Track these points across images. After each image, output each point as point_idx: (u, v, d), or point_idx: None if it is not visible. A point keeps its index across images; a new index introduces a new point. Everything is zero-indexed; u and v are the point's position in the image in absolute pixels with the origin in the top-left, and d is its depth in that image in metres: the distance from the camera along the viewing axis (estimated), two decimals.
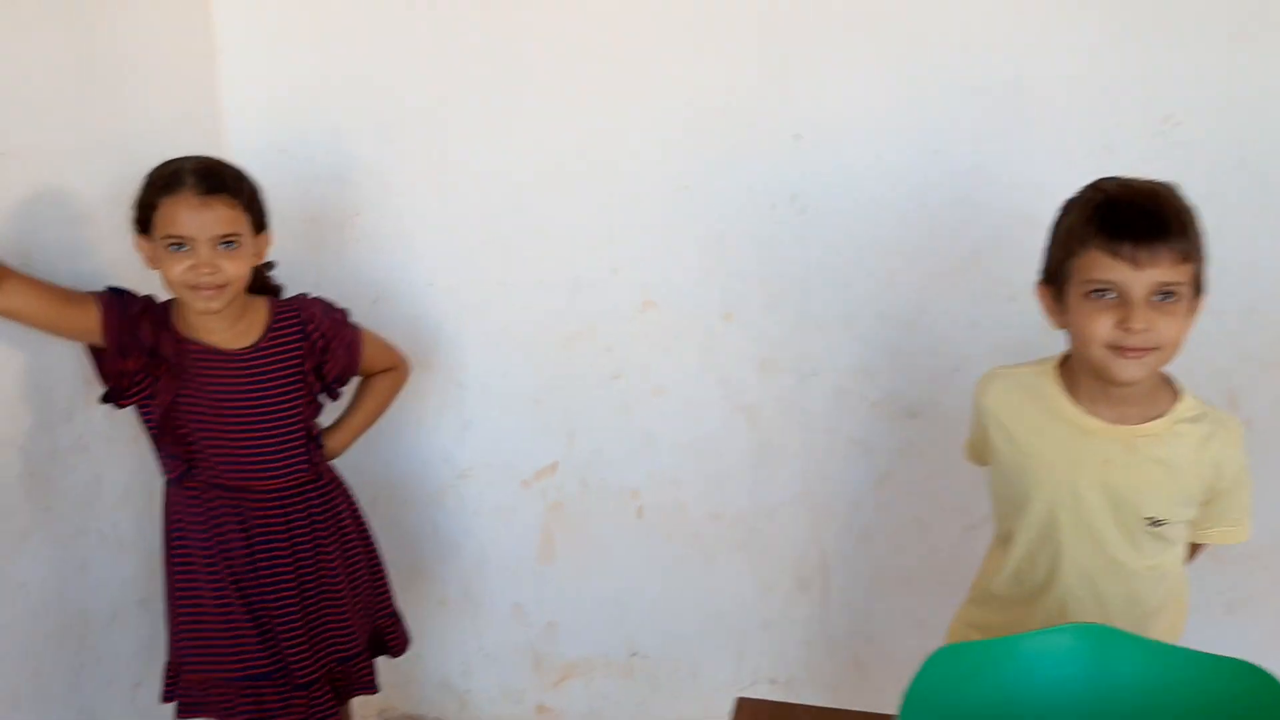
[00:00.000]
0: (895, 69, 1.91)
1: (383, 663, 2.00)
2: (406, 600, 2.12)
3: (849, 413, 2.07)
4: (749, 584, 2.24)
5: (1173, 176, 1.78)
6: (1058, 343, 1.90)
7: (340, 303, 1.89)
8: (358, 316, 1.91)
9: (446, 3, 2.08)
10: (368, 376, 1.92)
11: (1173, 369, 1.88)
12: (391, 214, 2.20)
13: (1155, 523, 1.42)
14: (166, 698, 1.79)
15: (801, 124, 1.98)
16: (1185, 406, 1.44)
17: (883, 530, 2.13)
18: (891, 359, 2.02)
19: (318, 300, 1.82)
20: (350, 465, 1.97)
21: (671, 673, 2.35)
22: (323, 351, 1.76)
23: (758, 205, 2.03)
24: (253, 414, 1.70)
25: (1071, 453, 1.44)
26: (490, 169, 2.13)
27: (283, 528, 1.73)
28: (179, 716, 1.77)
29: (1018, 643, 1.13)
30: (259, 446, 1.71)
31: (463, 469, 2.33)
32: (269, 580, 1.73)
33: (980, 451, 1.60)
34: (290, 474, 1.73)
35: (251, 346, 1.71)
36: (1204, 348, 1.87)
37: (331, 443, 1.87)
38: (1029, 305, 1.92)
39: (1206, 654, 1.08)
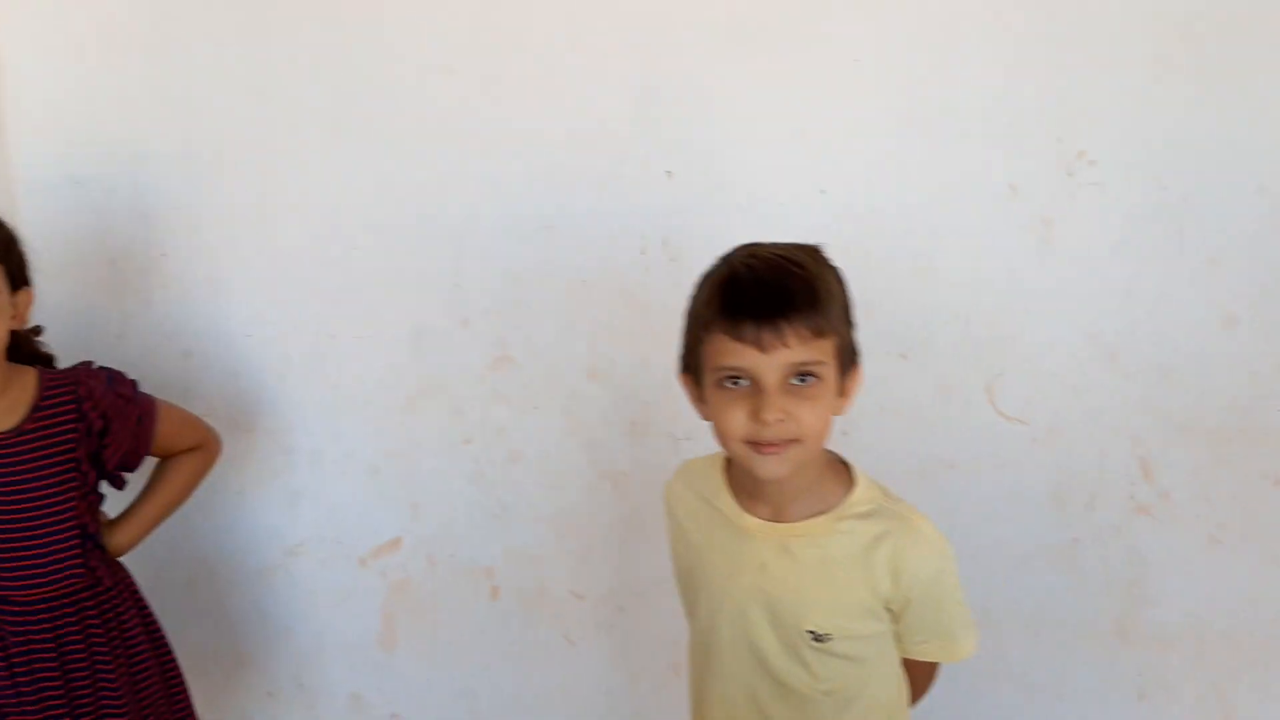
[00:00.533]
0: (778, 99, 1.70)
1: None
2: (231, 692, 1.85)
3: None
4: (618, 671, 2.00)
5: (1085, 221, 1.66)
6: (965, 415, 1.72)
7: (136, 368, 1.60)
8: (165, 373, 1.64)
9: (274, 14, 1.81)
10: (166, 457, 1.62)
11: (1077, 436, 1.74)
12: (205, 255, 1.92)
13: (818, 637, 1.22)
14: None
15: (674, 159, 1.75)
16: (856, 500, 1.24)
17: None
18: None
19: (101, 370, 1.52)
20: (163, 541, 1.70)
21: None
22: (102, 433, 1.46)
23: (627, 249, 1.80)
24: (13, 510, 1.40)
25: (731, 555, 1.26)
26: (321, 205, 1.87)
27: (51, 645, 1.43)
28: None
29: None
30: (21, 549, 1.41)
31: (292, 545, 2.05)
32: (34, 711, 1.42)
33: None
34: (60, 581, 1.44)
35: (13, 430, 1.41)
36: (1113, 413, 1.73)
37: (115, 539, 1.57)
38: (923, 363, 1.77)
39: None
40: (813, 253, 1.22)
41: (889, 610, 1.26)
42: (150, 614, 1.60)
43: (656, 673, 1.99)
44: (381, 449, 1.97)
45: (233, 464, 1.93)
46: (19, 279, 1.41)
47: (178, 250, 1.91)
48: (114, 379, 1.52)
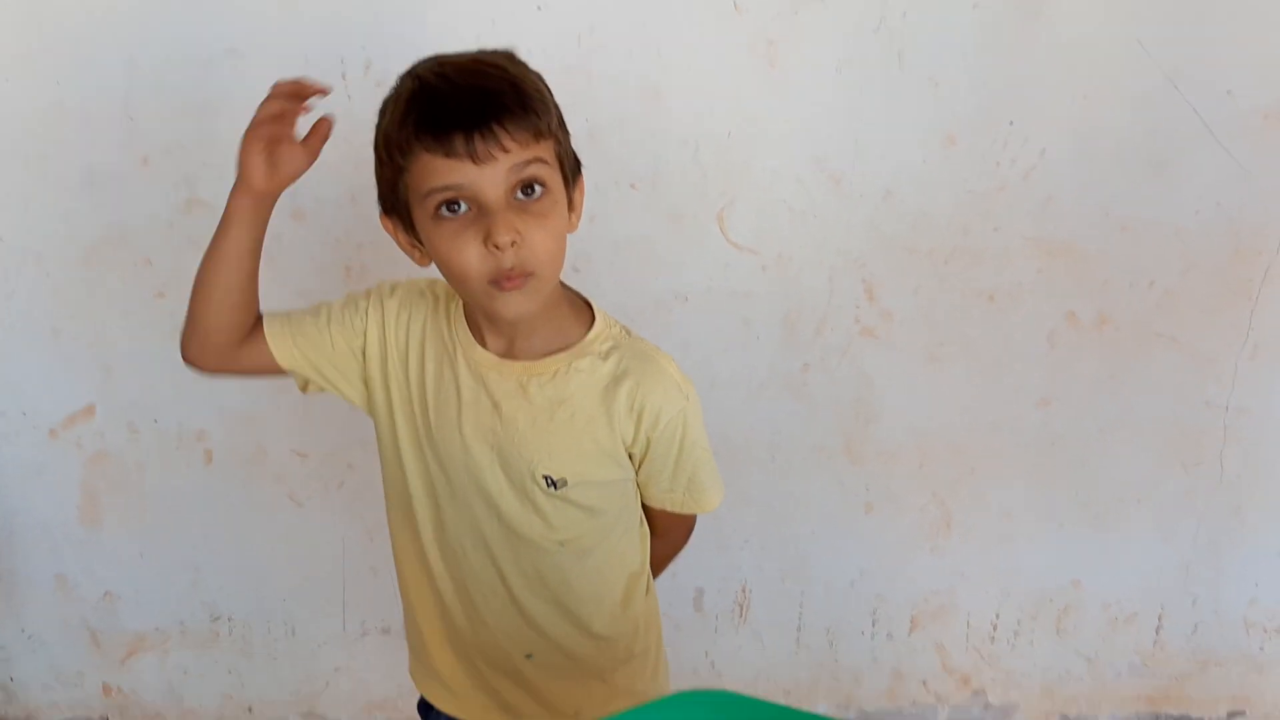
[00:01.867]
0: None
1: None
2: None
3: None
4: (351, 528, 1.90)
5: (808, 41, 1.60)
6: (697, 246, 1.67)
7: None
8: None
9: None
10: None
11: (806, 263, 1.73)
12: None
13: (553, 484, 1.15)
14: None
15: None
16: (595, 337, 1.15)
17: None
18: None
19: None
20: None
21: (264, 633, 1.99)
22: None
23: (325, 72, 1.60)
24: None
25: (459, 393, 1.16)
26: None
27: None
28: None
29: None
30: None
31: None
32: None
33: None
34: None
35: None
36: (838, 237, 1.72)
37: None
38: (653, 193, 1.70)
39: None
40: (508, 56, 1.07)
41: (630, 456, 1.19)
42: None
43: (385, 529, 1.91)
44: (61, 307, 1.75)
45: None
46: None
47: None
48: None
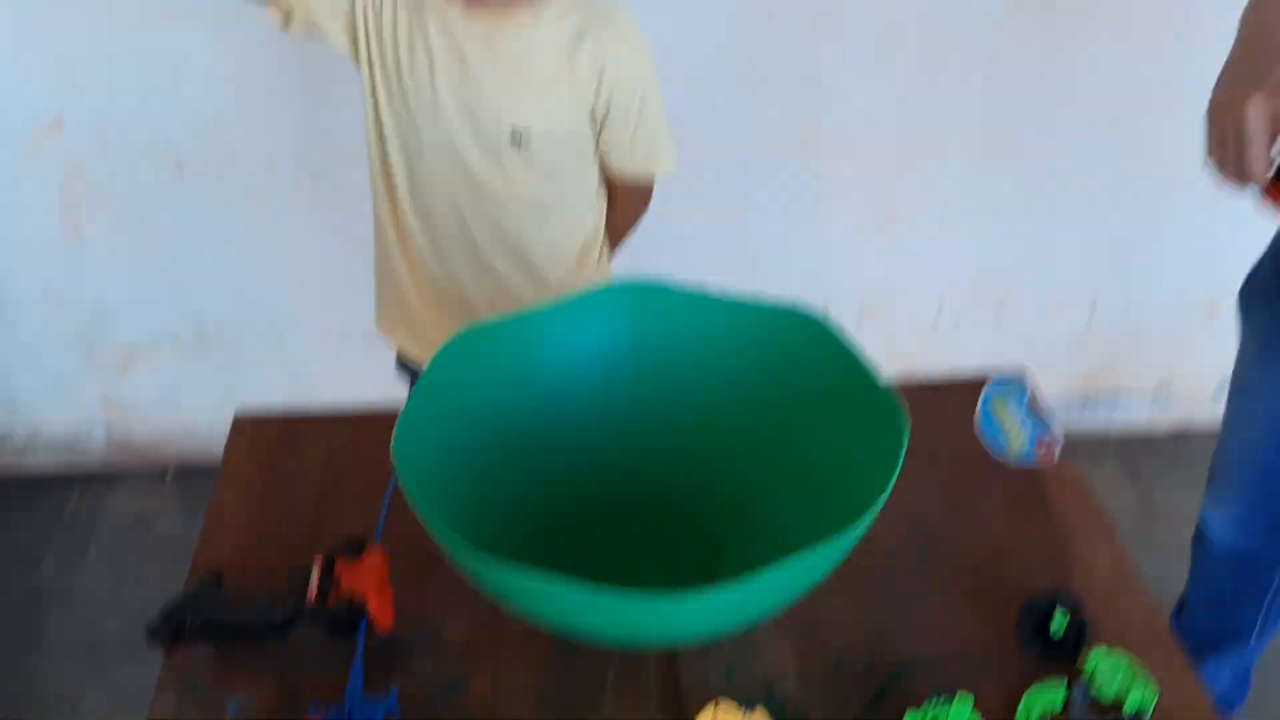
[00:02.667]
0: None
1: None
2: None
3: None
4: (321, 228, 1.97)
5: None
6: None
7: None
8: None
9: None
10: None
11: None
12: None
13: (518, 135, 1.22)
14: None
15: None
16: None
17: None
18: None
19: None
20: None
21: (254, 342, 2.10)
22: None
23: None
24: None
25: (434, 54, 1.21)
26: None
27: None
28: None
29: (545, 315, 0.96)
30: None
31: None
32: None
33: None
34: None
35: None
36: None
37: None
38: None
39: (758, 303, 0.97)
40: None
41: (592, 113, 1.26)
42: None
43: (364, 219, 1.97)
44: (18, 11, 1.76)
45: None
46: None
47: None
48: None
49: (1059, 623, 0.88)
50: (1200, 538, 1.51)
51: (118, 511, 2.13)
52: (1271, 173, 0.97)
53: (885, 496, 0.77)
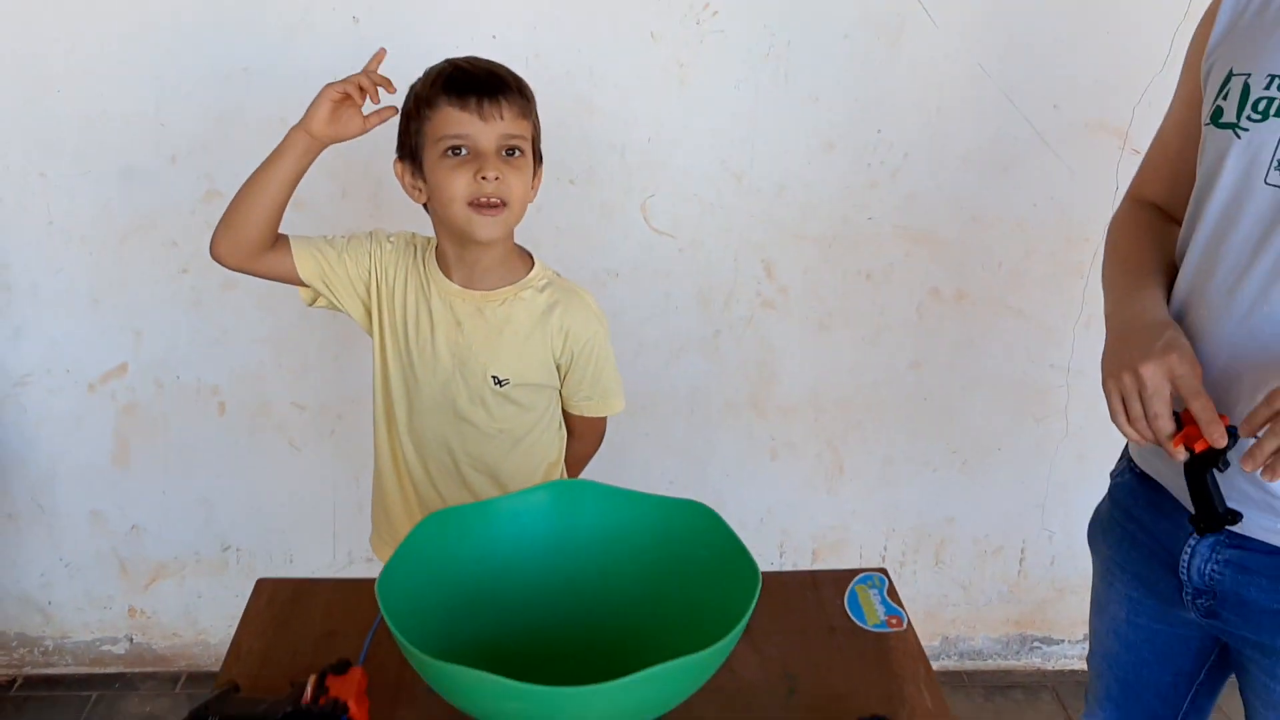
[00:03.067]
0: None
1: None
2: None
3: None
4: (339, 470, 2.27)
5: (711, 63, 1.97)
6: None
7: None
8: None
9: None
10: None
11: (715, 246, 2.09)
12: None
13: (499, 382, 1.52)
14: None
15: (359, 6, 1.94)
16: (534, 276, 1.53)
17: None
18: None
19: None
20: None
21: (267, 562, 2.35)
22: None
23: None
24: None
25: (432, 317, 1.53)
26: (25, 53, 1.93)
27: None
28: None
29: (500, 502, 1.24)
30: None
31: (19, 377, 2.17)
32: None
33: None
34: None
35: None
36: (741, 225, 2.08)
37: None
38: (589, 188, 2.06)
39: (659, 496, 1.24)
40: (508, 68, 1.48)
41: (558, 366, 1.56)
42: None
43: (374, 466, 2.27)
44: (100, 282, 2.11)
45: None
46: None
47: None
48: None
49: None
50: None
51: (132, 713, 2.33)
52: (1174, 425, 1.12)
53: (736, 634, 1.00)
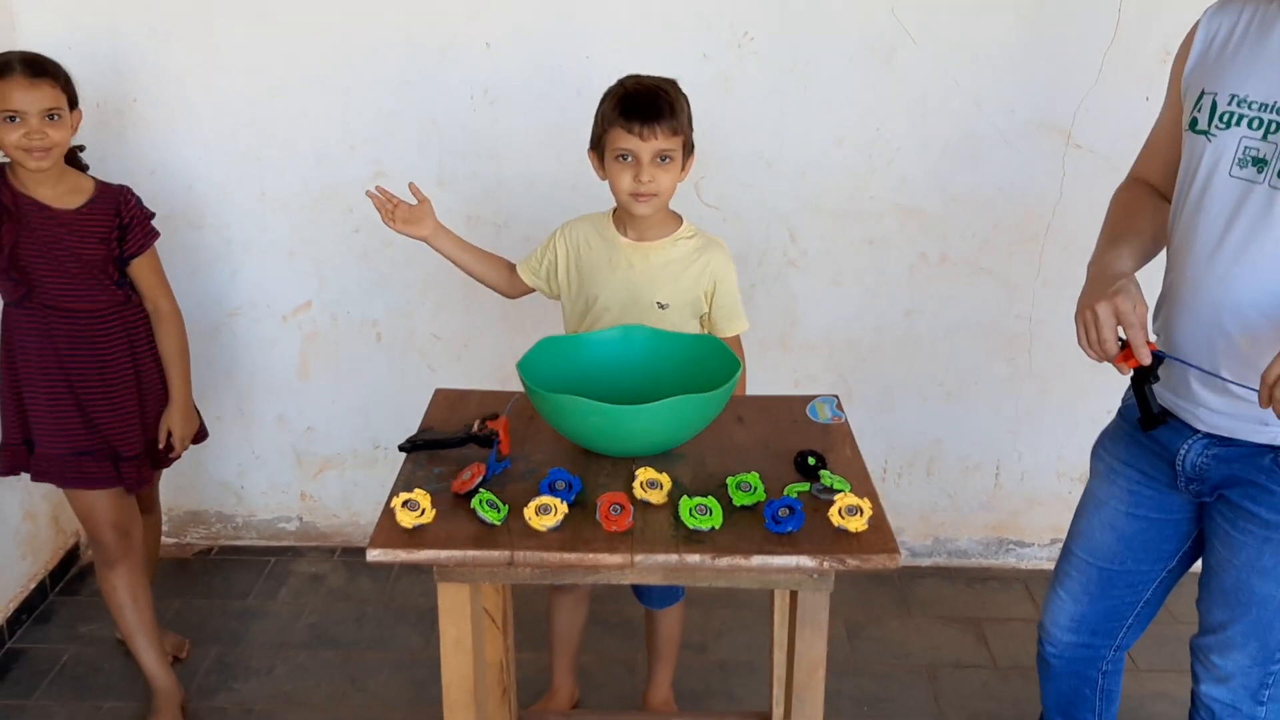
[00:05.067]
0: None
1: (168, 470, 2.54)
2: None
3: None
4: (467, 385, 2.94)
5: (751, 78, 2.63)
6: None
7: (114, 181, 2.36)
8: (136, 185, 2.37)
9: None
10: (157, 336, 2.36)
11: (750, 217, 2.74)
12: (165, 101, 2.73)
13: (661, 305, 2.07)
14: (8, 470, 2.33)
15: (491, 35, 2.65)
16: (683, 231, 2.10)
17: None
18: (561, 213, 2.76)
19: (136, 195, 2.31)
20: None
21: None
22: (125, 228, 2.27)
23: (461, 97, 2.70)
24: (74, 259, 2.22)
25: (610, 261, 2.10)
26: (246, 66, 2.69)
27: (103, 338, 2.27)
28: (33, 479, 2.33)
29: (587, 335, 1.91)
30: (79, 279, 2.23)
31: (231, 309, 2.92)
32: (94, 376, 2.28)
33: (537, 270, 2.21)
34: (100, 300, 2.26)
35: (75, 210, 2.22)
36: (771, 201, 2.73)
37: (174, 414, 2.38)
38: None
39: (683, 334, 1.90)
40: (672, 82, 2.04)
41: (704, 295, 2.12)
42: (151, 335, 2.42)
43: (490, 386, 2.95)
44: (295, 238, 2.85)
45: (187, 251, 2.80)
46: (73, 102, 2.23)
47: (146, 97, 2.73)
48: (142, 202, 2.31)
49: (812, 461, 1.68)
50: (1041, 659, 1.99)
51: (300, 573, 3.05)
52: (1119, 348, 1.54)
53: (729, 387, 1.64)
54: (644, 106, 1.96)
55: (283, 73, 2.70)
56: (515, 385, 2.90)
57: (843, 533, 1.50)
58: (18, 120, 2.11)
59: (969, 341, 2.83)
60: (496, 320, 2.90)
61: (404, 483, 1.63)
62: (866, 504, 1.51)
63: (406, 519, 1.48)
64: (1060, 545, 3.03)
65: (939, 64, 2.61)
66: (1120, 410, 1.87)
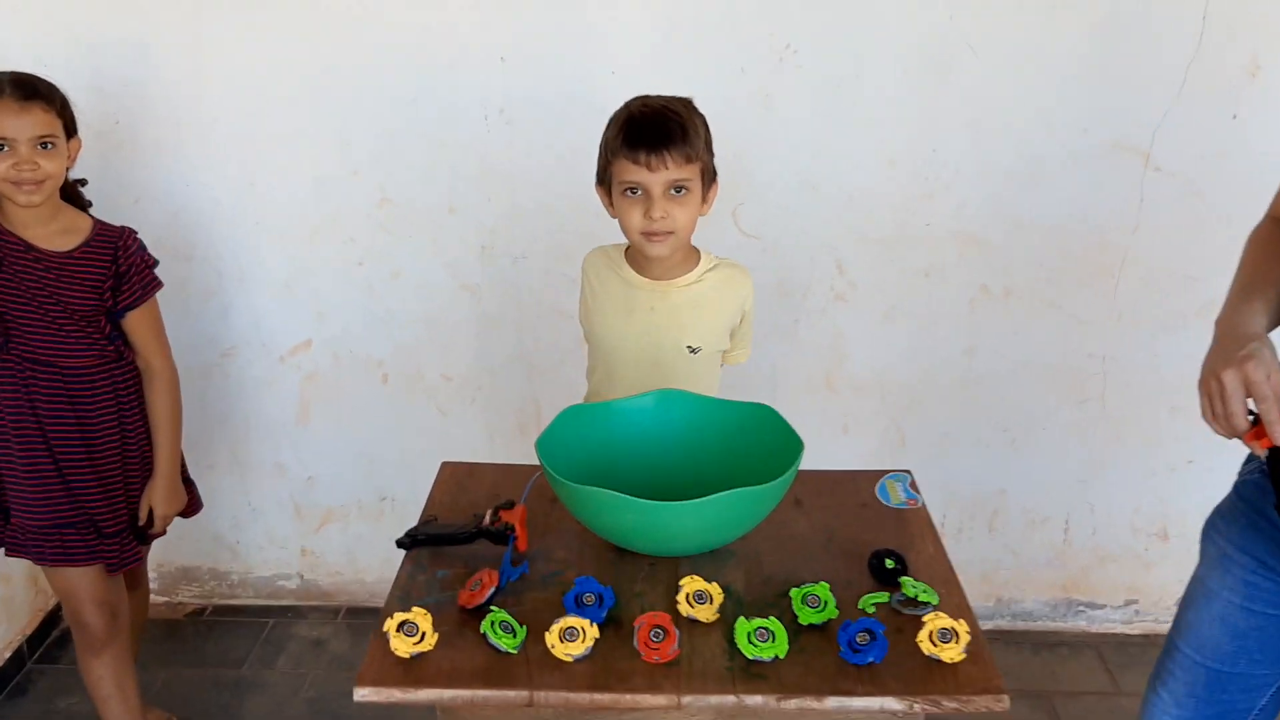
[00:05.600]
0: (576, 6, 2.35)
1: None
2: None
3: (552, 288, 2.54)
4: (478, 431, 2.71)
5: (792, 93, 2.37)
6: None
7: (95, 212, 2.10)
8: (120, 216, 2.15)
9: None
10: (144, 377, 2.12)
11: (793, 246, 2.48)
12: (149, 123, 2.48)
13: (693, 350, 1.84)
14: None
15: (506, 48, 2.39)
16: (704, 262, 1.86)
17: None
18: (584, 242, 2.50)
19: (139, 240, 2.06)
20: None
21: (416, 511, 2.78)
22: (121, 276, 2.00)
23: (473, 116, 2.45)
24: (61, 308, 1.97)
25: (628, 305, 1.86)
26: (238, 84, 2.45)
27: (64, 398, 2.01)
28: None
29: (617, 402, 1.65)
30: (64, 331, 1.97)
31: (225, 349, 2.68)
32: (78, 441, 2.02)
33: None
34: (87, 355, 2.01)
35: (67, 252, 1.96)
36: (816, 228, 2.47)
37: (158, 486, 2.13)
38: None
39: (733, 401, 1.63)
40: (685, 102, 1.77)
41: (733, 333, 1.91)
42: (142, 396, 2.16)
43: (506, 431, 2.71)
44: (293, 270, 2.60)
45: (177, 286, 2.54)
46: (71, 129, 1.98)
47: (129, 118, 2.48)
48: (144, 249, 2.06)
49: (890, 564, 1.44)
50: None
51: (300, 637, 2.80)
52: (1251, 421, 1.29)
53: (787, 478, 1.39)
54: (651, 132, 1.70)
55: (278, 91, 2.45)
56: (534, 431, 2.67)
57: (934, 662, 1.23)
58: (6, 149, 1.86)
59: (1035, 383, 2.56)
60: (513, 359, 2.64)
61: (401, 593, 1.38)
62: (963, 626, 1.24)
63: (402, 646, 1.23)
64: (1134, 607, 2.81)
65: (1002, 77, 2.33)
66: (1236, 486, 1.59)
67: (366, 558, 2.87)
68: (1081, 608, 2.75)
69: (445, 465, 1.79)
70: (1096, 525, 2.67)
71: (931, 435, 2.63)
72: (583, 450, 1.56)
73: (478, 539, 1.48)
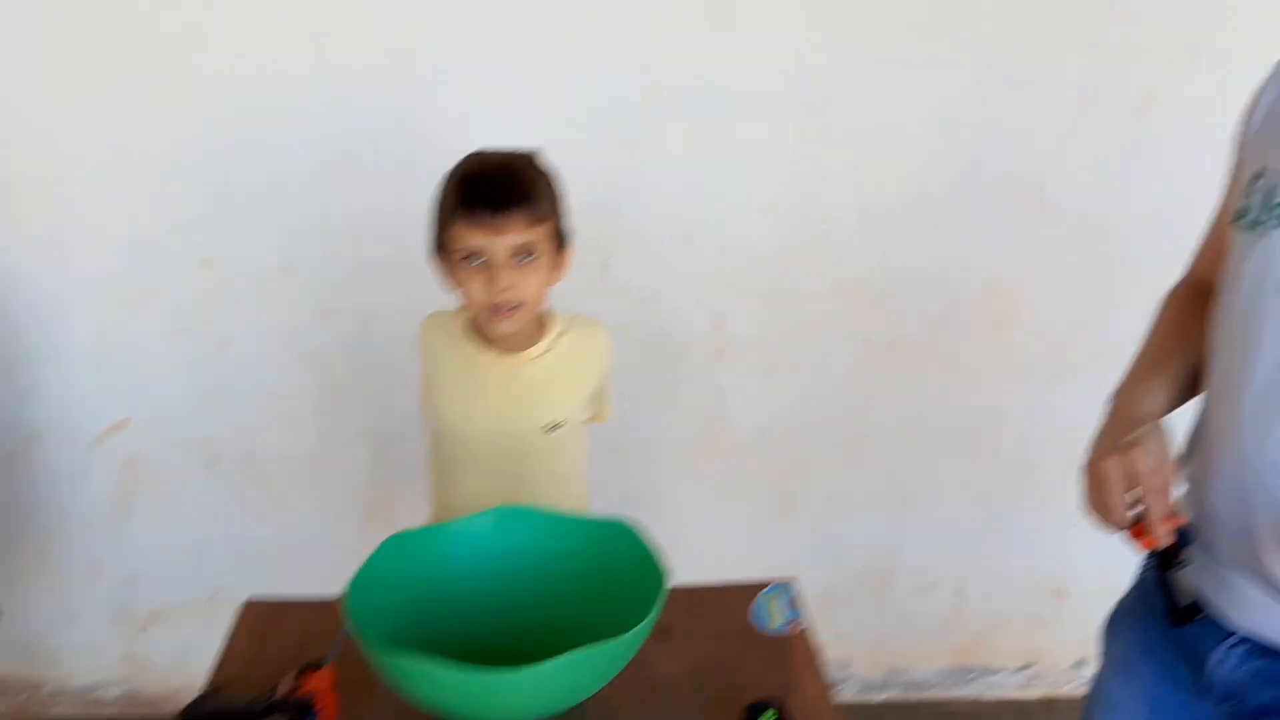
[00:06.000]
0: (428, 41, 2.13)
1: None
2: None
3: (401, 353, 2.28)
4: (322, 517, 2.43)
5: (657, 137, 2.19)
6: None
7: None
8: None
9: None
10: None
11: (669, 299, 2.30)
12: None
13: (553, 428, 1.65)
14: None
15: (347, 88, 2.15)
16: (556, 326, 1.67)
17: None
18: (438, 302, 2.27)
19: None
20: None
21: None
22: None
23: (310, 165, 2.20)
24: None
25: (472, 384, 1.67)
26: (45, 133, 2.14)
27: None
28: None
29: (450, 526, 1.42)
30: None
31: (28, 433, 2.35)
32: None
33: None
34: None
35: None
36: (692, 281, 2.29)
37: None
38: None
39: (587, 518, 1.43)
40: (527, 156, 1.58)
41: (593, 393, 1.71)
42: None
43: (354, 516, 2.44)
44: (105, 344, 2.30)
45: None
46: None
47: None
48: None
49: (768, 715, 1.27)
50: None
51: None
52: (1132, 515, 1.15)
53: (642, 629, 1.18)
54: (490, 191, 1.51)
55: (85, 144, 2.16)
56: (385, 514, 2.41)
57: None
58: None
59: (925, 439, 2.43)
60: (359, 435, 2.39)
61: None
62: None
63: None
64: (1032, 669, 2.69)
65: (885, 117, 2.21)
66: (1141, 580, 1.42)
67: (198, 661, 2.49)
68: (975, 674, 2.61)
69: (249, 605, 1.56)
70: (990, 587, 2.54)
71: (817, 497, 2.47)
72: (410, 588, 1.34)
73: (271, 715, 1.22)
